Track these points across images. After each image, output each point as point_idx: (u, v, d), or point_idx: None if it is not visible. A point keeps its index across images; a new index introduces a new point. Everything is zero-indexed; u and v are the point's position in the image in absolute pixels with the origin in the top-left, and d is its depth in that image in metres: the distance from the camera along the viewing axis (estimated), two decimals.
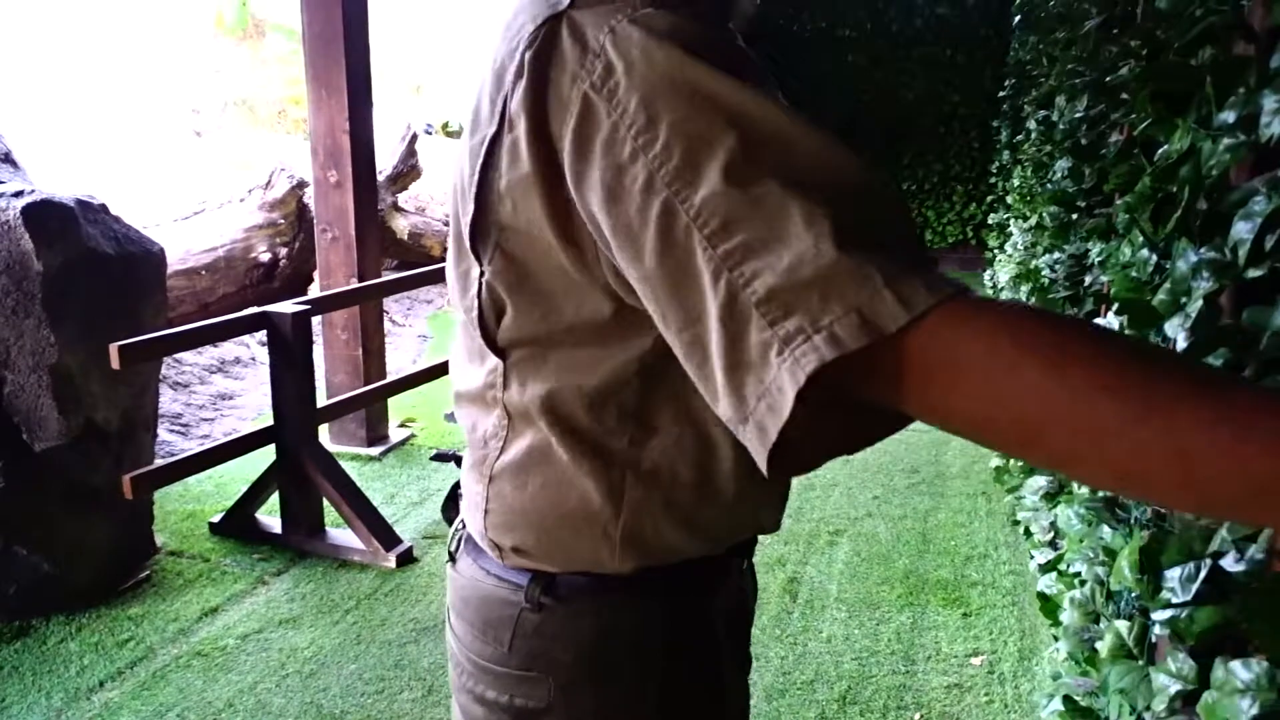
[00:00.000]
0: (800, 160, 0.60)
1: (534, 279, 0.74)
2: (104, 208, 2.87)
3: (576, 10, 0.67)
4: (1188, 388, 0.50)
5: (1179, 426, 0.49)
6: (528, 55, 0.68)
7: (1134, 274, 1.51)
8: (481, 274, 0.77)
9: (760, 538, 1.02)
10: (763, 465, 0.60)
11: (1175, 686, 1.25)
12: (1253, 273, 1.08)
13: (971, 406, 0.55)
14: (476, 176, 0.73)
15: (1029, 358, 0.53)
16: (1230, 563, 1.16)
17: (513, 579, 0.85)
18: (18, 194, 2.65)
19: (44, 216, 2.63)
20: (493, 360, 0.81)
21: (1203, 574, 1.20)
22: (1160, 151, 1.40)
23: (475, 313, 0.79)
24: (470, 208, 0.75)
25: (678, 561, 0.84)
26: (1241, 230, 1.10)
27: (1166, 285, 1.27)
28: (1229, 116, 1.14)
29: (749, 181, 0.59)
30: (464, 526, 0.93)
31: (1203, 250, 1.19)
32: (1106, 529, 1.66)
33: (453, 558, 0.95)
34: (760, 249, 0.58)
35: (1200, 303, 1.17)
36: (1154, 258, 1.46)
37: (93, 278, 2.73)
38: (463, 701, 0.90)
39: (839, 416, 0.63)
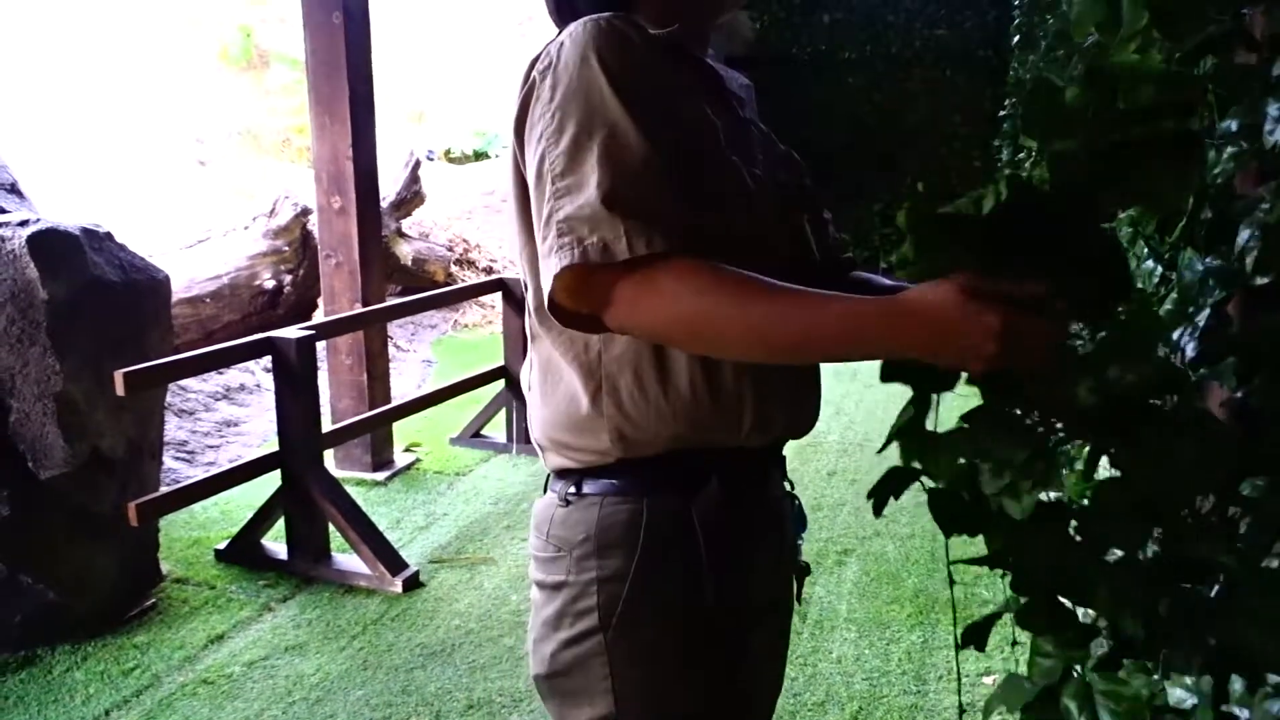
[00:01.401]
0: (614, 149, 0.92)
1: (525, 216, 1.04)
2: (109, 236, 2.88)
3: (563, 30, 1.00)
4: (785, 296, 0.89)
5: (771, 312, 0.89)
6: (530, 60, 1.02)
7: (1139, 285, 1.50)
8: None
9: None
10: (544, 310, 0.97)
11: (1191, 700, 1.24)
12: (1261, 280, 1.08)
13: (655, 317, 0.92)
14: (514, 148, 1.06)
15: (698, 290, 0.90)
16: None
17: (556, 488, 1.11)
18: (23, 223, 2.66)
19: (49, 245, 2.64)
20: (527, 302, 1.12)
21: (1216, 587, 1.18)
22: None
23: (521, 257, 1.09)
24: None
25: (666, 453, 1.05)
26: (1248, 237, 1.10)
27: (1173, 295, 1.26)
28: (1232, 125, 1.14)
29: (581, 149, 0.93)
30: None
31: (1209, 259, 1.18)
32: None
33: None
34: (572, 191, 0.93)
35: (1208, 311, 1.17)
36: (1159, 269, 1.46)
37: (98, 306, 2.73)
38: (531, 595, 1.14)
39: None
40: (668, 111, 0.98)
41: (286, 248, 5.63)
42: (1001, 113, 6.17)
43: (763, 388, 1.07)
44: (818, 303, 0.89)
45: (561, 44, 0.98)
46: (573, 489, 1.09)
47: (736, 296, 0.89)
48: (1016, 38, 5.26)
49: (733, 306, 0.89)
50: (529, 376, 1.13)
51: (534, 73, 1.00)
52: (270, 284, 5.54)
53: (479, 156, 9.71)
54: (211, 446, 4.41)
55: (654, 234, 0.89)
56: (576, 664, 1.07)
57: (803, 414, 1.17)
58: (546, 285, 0.93)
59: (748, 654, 1.15)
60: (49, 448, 2.66)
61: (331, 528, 3.18)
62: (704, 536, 1.07)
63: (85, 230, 2.78)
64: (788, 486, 1.25)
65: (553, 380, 1.08)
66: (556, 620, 1.08)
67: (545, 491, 1.16)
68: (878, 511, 1.01)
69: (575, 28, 0.98)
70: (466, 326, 6.90)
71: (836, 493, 3.82)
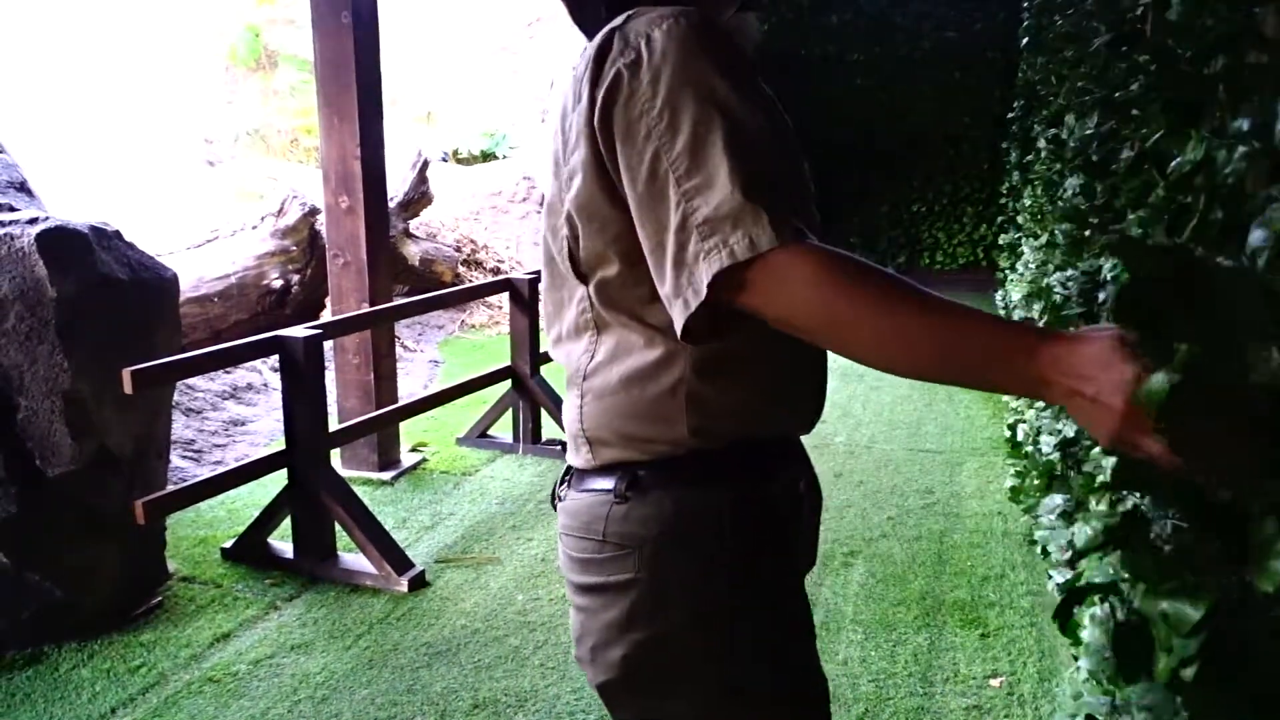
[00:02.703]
0: (739, 135, 0.90)
1: (593, 212, 1.00)
2: (118, 234, 2.89)
3: (628, 23, 0.97)
4: (922, 303, 0.86)
5: (910, 321, 0.86)
6: (592, 52, 0.98)
7: None
8: (567, 214, 1.03)
9: None
10: (679, 329, 0.93)
11: None
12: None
13: (798, 304, 0.88)
14: (565, 139, 1.03)
15: (841, 282, 0.87)
16: None
17: (602, 485, 1.07)
18: (32, 221, 2.67)
19: (58, 243, 2.65)
20: (580, 291, 1.07)
21: None
22: (1174, 163, 1.39)
23: (565, 251, 1.05)
24: (561, 167, 1.05)
25: (736, 443, 1.05)
26: (1259, 238, 1.09)
27: None
28: (1244, 124, 1.13)
29: (703, 143, 0.90)
30: (565, 473, 1.17)
31: (1220, 259, 1.18)
32: None
33: (557, 499, 1.16)
34: (704, 189, 0.90)
35: None
36: None
37: (106, 304, 2.74)
38: (575, 603, 1.11)
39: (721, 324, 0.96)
40: (768, 103, 0.98)
41: (294, 247, 5.64)
42: (1010, 114, 6.15)
43: (819, 379, 1.15)
44: (972, 317, 0.85)
45: (648, 37, 0.94)
46: (627, 484, 1.05)
47: (883, 292, 0.86)
48: (1025, 39, 5.25)
49: (876, 302, 0.86)
50: (584, 366, 1.08)
51: (614, 68, 0.95)
52: (278, 283, 5.55)
53: (487, 157, 9.71)
54: (219, 445, 4.41)
55: (794, 217, 0.88)
56: (670, 658, 1.05)
57: (821, 406, 1.20)
58: (698, 292, 0.89)
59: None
60: (56, 445, 2.67)
61: (338, 527, 3.19)
62: (782, 521, 1.10)
63: (94, 229, 2.78)
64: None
65: (623, 369, 1.05)
66: (627, 621, 1.04)
67: (570, 490, 1.13)
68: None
69: (658, 20, 0.95)
70: (474, 327, 6.91)
71: (843, 494, 3.81)
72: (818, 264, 0.87)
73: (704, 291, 0.88)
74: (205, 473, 3.76)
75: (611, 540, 1.05)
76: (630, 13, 0.98)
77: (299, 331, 3.12)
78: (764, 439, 1.08)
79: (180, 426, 4.35)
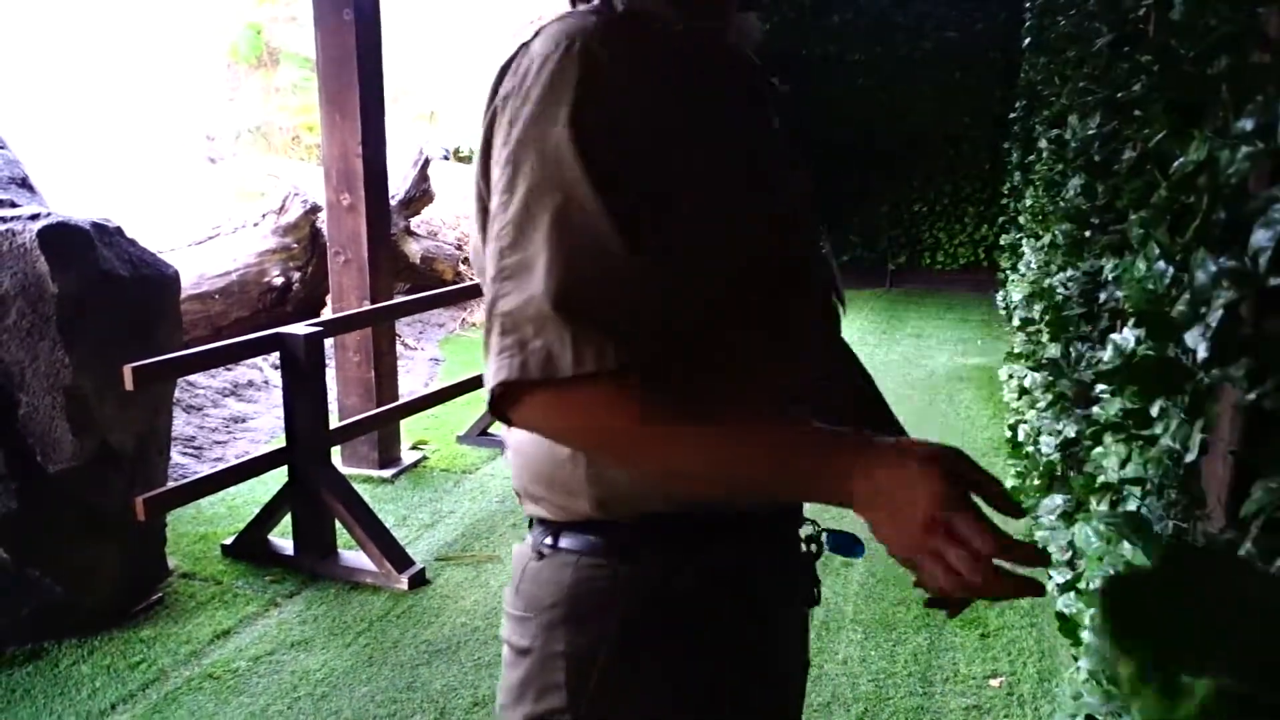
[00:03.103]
0: (570, 223, 0.79)
1: (479, 264, 0.92)
2: (119, 231, 2.89)
3: (538, 35, 0.86)
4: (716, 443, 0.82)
5: (699, 464, 0.83)
6: (496, 70, 0.91)
7: (1150, 286, 1.50)
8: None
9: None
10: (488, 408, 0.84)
11: None
12: (1274, 281, 1.07)
13: (576, 439, 0.85)
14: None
15: (630, 433, 0.81)
16: None
17: (533, 536, 0.98)
18: (34, 217, 2.67)
19: (60, 239, 2.65)
20: None
21: None
22: (1177, 163, 1.39)
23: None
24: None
25: (646, 519, 0.92)
26: (1262, 238, 1.09)
27: (1186, 296, 1.26)
28: (1247, 124, 1.14)
29: (531, 219, 0.80)
30: None
31: (1222, 259, 1.18)
32: (1127, 545, 1.63)
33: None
34: (519, 274, 0.80)
35: (1221, 312, 1.16)
36: (1170, 270, 1.45)
37: (108, 300, 2.74)
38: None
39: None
40: (667, 143, 0.85)
41: (295, 245, 5.64)
42: (1012, 114, 6.15)
43: None
44: (780, 446, 0.82)
45: (537, 62, 0.84)
46: (549, 540, 0.95)
47: (669, 440, 0.81)
48: (1028, 40, 5.25)
49: (660, 449, 0.82)
50: None
51: (499, 95, 0.87)
52: (279, 281, 5.55)
53: None
54: (219, 442, 4.42)
55: (607, 344, 0.78)
56: None
57: None
58: (488, 382, 0.82)
59: None
60: (58, 442, 2.67)
61: (338, 524, 3.19)
62: (695, 616, 0.93)
63: (96, 225, 2.79)
64: (806, 533, 1.09)
65: None
66: (520, 690, 0.95)
67: (523, 539, 1.04)
68: None
69: (551, 33, 0.84)
70: (474, 325, 6.91)
71: None
72: (610, 408, 0.80)
73: (490, 390, 0.81)
74: (206, 469, 3.76)
75: (522, 597, 0.96)
76: (561, 15, 0.87)
77: (300, 329, 3.13)
78: (681, 516, 0.92)
79: (181, 423, 4.35)
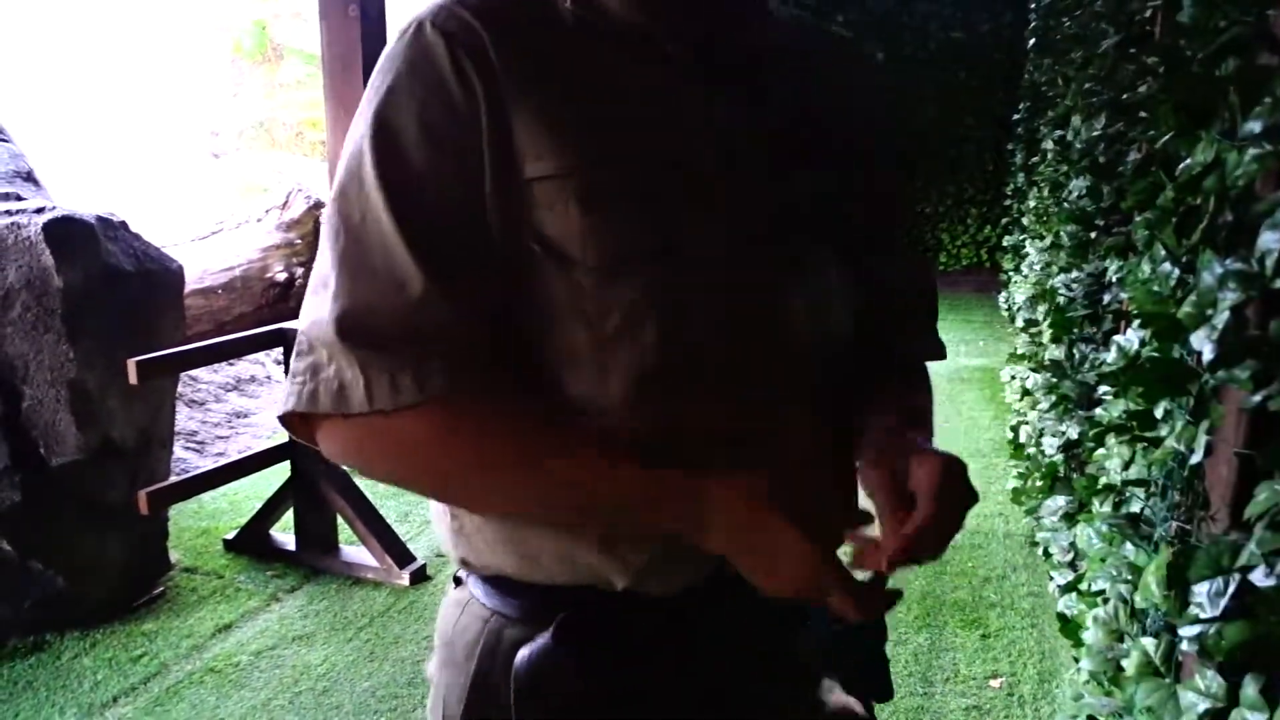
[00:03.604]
0: (361, 240, 0.72)
1: None
2: (124, 225, 2.90)
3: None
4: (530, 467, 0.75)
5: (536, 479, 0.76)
6: None
7: (1155, 288, 1.50)
8: None
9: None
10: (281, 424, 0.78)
11: (1204, 705, 1.23)
12: None
13: (389, 470, 0.78)
14: None
15: (434, 461, 0.75)
16: (1260, 577, 1.14)
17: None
18: (39, 210, 2.67)
19: (65, 233, 2.65)
20: None
21: (1231, 589, 1.18)
22: (1183, 164, 1.39)
23: None
24: None
25: (497, 577, 0.85)
26: (1269, 240, 1.09)
27: (1192, 298, 1.26)
28: (1255, 127, 1.14)
29: (332, 232, 0.74)
30: None
31: (1229, 261, 1.18)
32: (1130, 546, 1.64)
33: None
34: (316, 291, 0.74)
35: (1227, 314, 1.16)
36: (1176, 271, 1.45)
37: (112, 294, 2.74)
38: None
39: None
40: (517, 141, 0.74)
41: (299, 240, 5.64)
42: (1015, 115, 6.15)
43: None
44: (596, 467, 0.74)
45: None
46: (456, 578, 0.92)
47: (496, 457, 0.75)
48: (1033, 40, 5.25)
49: (489, 471, 0.76)
50: None
51: None
52: (282, 276, 5.56)
53: None
54: (221, 437, 4.42)
55: (402, 376, 0.71)
56: None
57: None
58: (279, 407, 0.76)
59: None
60: (61, 435, 2.67)
61: (340, 520, 3.19)
62: (546, 697, 0.79)
63: (100, 219, 2.79)
64: None
65: None
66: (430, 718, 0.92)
67: None
68: None
69: (411, 14, 0.78)
70: None
71: None
72: (410, 443, 0.74)
73: (282, 412, 0.76)
74: (208, 464, 3.77)
75: (436, 627, 0.94)
76: None
77: None
78: (526, 584, 0.82)
79: (183, 418, 4.36)
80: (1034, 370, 3.63)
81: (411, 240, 0.72)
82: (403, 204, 0.72)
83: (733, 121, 0.80)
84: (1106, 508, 1.84)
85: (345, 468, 3.28)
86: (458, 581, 0.91)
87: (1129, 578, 1.68)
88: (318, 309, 0.73)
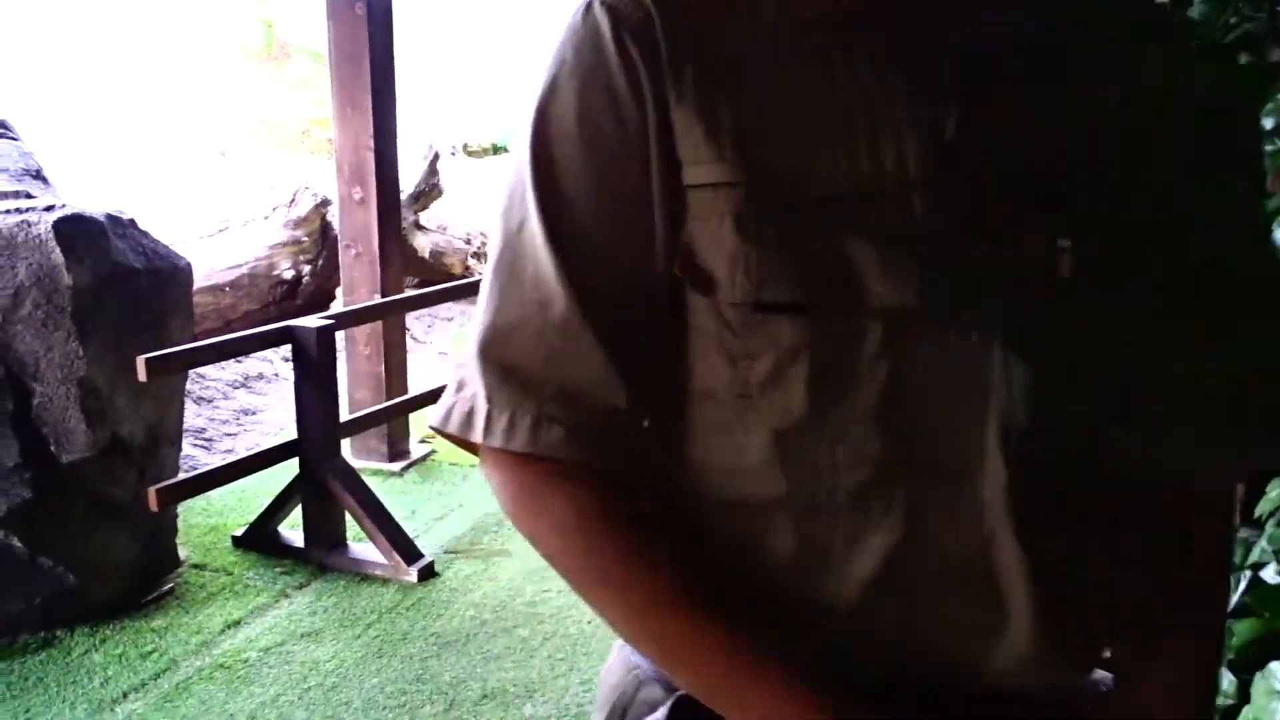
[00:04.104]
0: (517, 258, 0.66)
1: None
2: (133, 223, 2.91)
3: None
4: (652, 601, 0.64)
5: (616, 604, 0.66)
6: None
7: None
8: None
9: None
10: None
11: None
12: None
13: (535, 537, 0.69)
14: None
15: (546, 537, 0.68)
16: (1271, 574, 1.14)
17: None
18: (49, 208, 2.68)
19: (74, 231, 2.66)
20: None
21: (1242, 586, 1.18)
22: None
23: None
24: None
25: None
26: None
27: None
28: (1267, 123, 1.13)
29: (493, 240, 0.68)
30: None
31: None
32: None
33: None
34: (480, 301, 0.68)
35: None
36: None
37: (121, 292, 2.75)
38: None
39: None
40: (698, 136, 0.63)
41: (305, 238, 5.66)
42: None
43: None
44: (686, 621, 0.63)
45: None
46: None
47: (594, 558, 0.66)
48: None
49: (584, 572, 0.67)
50: None
51: None
52: (289, 274, 5.57)
53: (497, 150, 9.73)
54: (229, 434, 4.44)
55: (520, 414, 0.64)
56: None
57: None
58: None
59: None
60: (71, 432, 2.68)
61: (348, 517, 3.20)
62: None
63: (109, 216, 2.80)
64: None
65: None
66: None
67: None
68: None
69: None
70: None
71: None
72: (523, 495, 0.67)
73: (429, 424, 0.71)
74: (216, 461, 3.78)
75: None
76: None
77: (312, 321, 3.14)
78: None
79: (191, 415, 4.37)
80: None
81: (562, 254, 0.64)
82: (555, 214, 0.65)
83: (956, 143, 0.62)
84: None
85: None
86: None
87: None
88: (476, 319, 0.67)
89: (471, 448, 0.69)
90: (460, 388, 0.66)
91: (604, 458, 0.64)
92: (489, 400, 0.64)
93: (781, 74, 0.64)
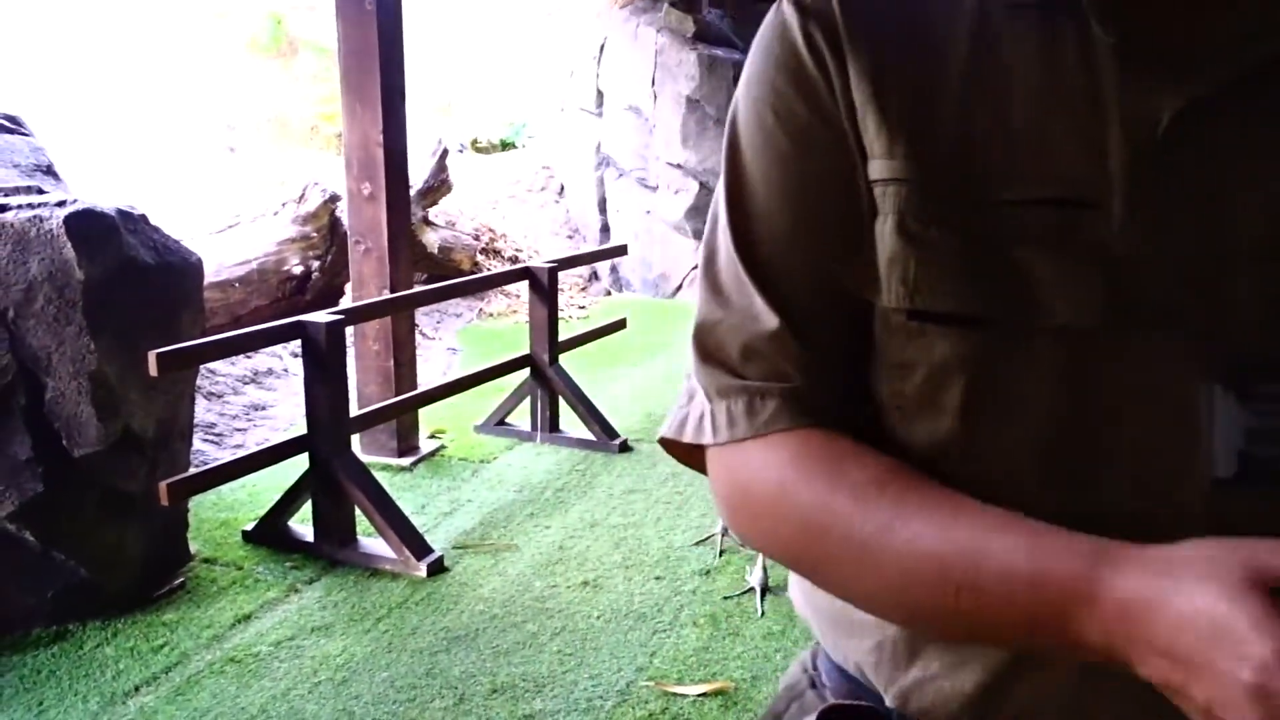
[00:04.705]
0: (721, 249, 0.66)
1: None
2: (144, 218, 2.92)
3: None
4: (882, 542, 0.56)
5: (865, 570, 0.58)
6: None
7: None
8: None
9: None
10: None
11: None
12: None
13: (733, 525, 0.66)
14: None
15: (768, 516, 0.63)
16: None
17: None
18: (60, 203, 2.69)
19: (86, 226, 2.67)
20: None
21: None
22: None
23: None
24: None
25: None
26: None
27: None
28: None
29: (708, 239, 0.68)
30: None
31: None
32: None
33: None
34: (699, 295, 0.68)
35: None
36: None
37: (132, 287, 2.77)
38: None
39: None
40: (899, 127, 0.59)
41: (315, 234, 5.67)
42: None
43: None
44: (981, 553, 0.52)
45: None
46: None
47: (843, 512, 0.58)
48: None
49: (834, 528, 0.58)
50: None
51: None
52: (298, 269, 5.58)
53: (505, 146, 9.73)
54: (239, 429, 4.45)
55: (735, 403, 0.63)
56: None
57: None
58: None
59: None
60: (83, 426, 2.69)
61: (358, 511, 3.21)
62: None
63: (121, 212, 2.81)
64: None
65: None
66: None
67: None
68: None
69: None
70: (491, 315, 6.93)
71: None
72: (742, 482, 0.64)
73: (658, 436, 0.71)
74: (226, 456, 3.79)
75: None
76: None
77: (322, 317, 3.14)
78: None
79: (201, 410, 4.38)
80: None
81: (749, 259, 0.64)
82: (740, 202, 0.65)
83: (1168, 144, 0.54)
84: None
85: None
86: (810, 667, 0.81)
87: None
88: (696, 316, 0.68)
89: (696, 461, 0.68)
90: (690, 396, 0.67)
91: (821, 418, 0.62)
92: (708, 398, 0.65)
93: (970, 63, 0.59)
